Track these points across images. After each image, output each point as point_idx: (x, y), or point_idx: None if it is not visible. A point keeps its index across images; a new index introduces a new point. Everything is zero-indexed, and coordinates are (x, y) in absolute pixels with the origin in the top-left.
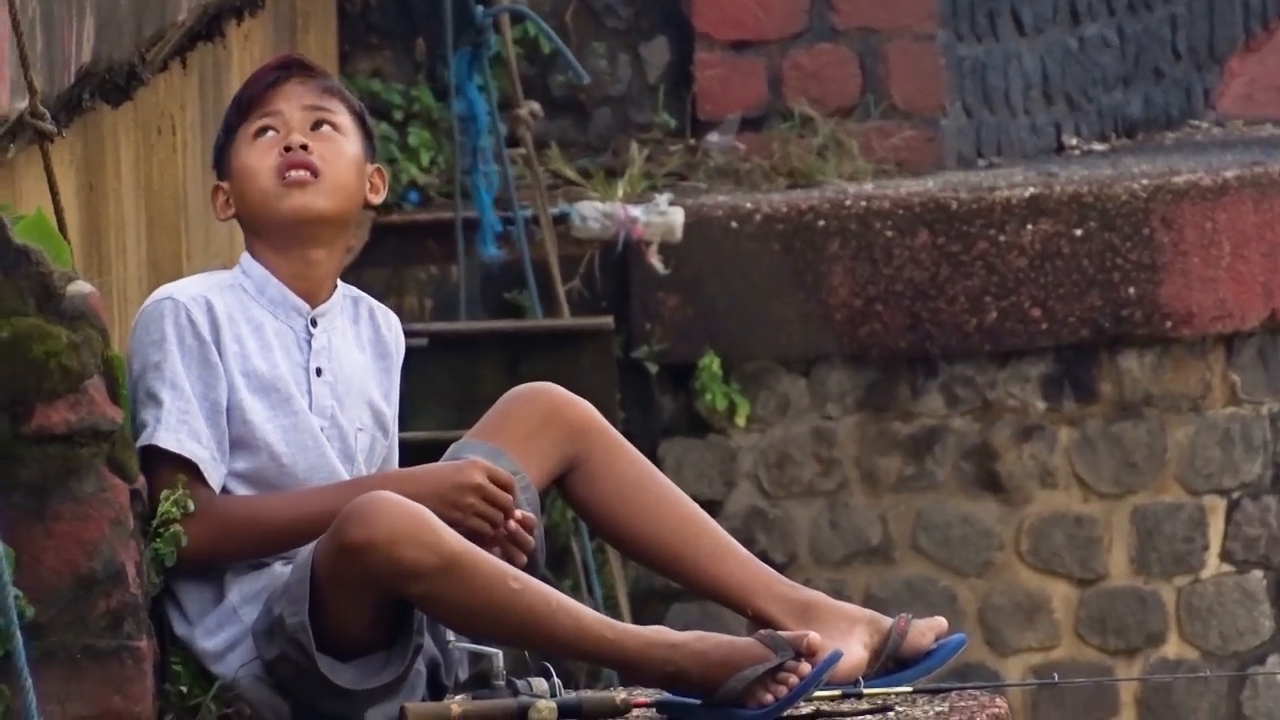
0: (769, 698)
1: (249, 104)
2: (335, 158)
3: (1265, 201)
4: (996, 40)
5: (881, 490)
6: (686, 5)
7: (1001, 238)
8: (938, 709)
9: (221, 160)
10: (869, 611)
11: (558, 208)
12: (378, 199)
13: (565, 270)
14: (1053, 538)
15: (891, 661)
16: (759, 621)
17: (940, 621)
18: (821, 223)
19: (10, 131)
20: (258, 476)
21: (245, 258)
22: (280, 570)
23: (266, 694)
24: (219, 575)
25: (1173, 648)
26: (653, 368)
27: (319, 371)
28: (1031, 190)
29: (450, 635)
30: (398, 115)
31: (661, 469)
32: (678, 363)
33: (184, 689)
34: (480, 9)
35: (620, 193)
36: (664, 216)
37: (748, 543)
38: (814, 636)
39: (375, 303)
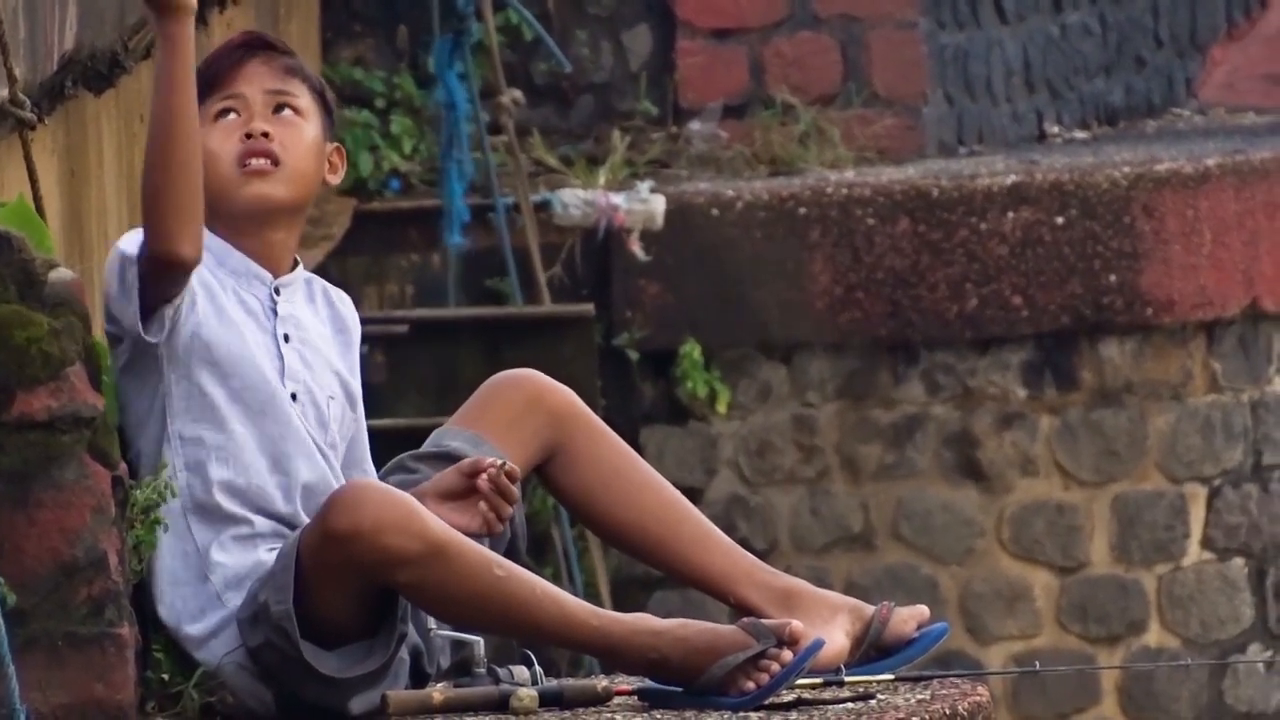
0: (750, 685)
1: (211, 82)
2: (295, 144)
3: (1246, 189)
4: (978, 28)
5: (862, 478)
6: None
7: (983, 225)
8: (919, 697)
9: None
10: (851, 599)
11: (539, 195)
12: (336, 179)
13: (546, 257)
14: (1034, 525)
15: (873, 650)
16: (741, 609)
17: (922, 610)
18: (803, 210)
19: None
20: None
21: (204, 232)
22: (265, 558)
23: (250, 682)
24: (202, 557)
25: (1154, 636)
26: (633, 355)
27: (286, 338)
28: (1013, 178)
29: (431, 623)
30: (380, 103)
31: (642, 456)
32: (659, 350)
33: (165, 676)
34: None
35: (602, 180)
36: (645, 204)
37: (729, 530)
38: (796, 624)
39: (327, 284)
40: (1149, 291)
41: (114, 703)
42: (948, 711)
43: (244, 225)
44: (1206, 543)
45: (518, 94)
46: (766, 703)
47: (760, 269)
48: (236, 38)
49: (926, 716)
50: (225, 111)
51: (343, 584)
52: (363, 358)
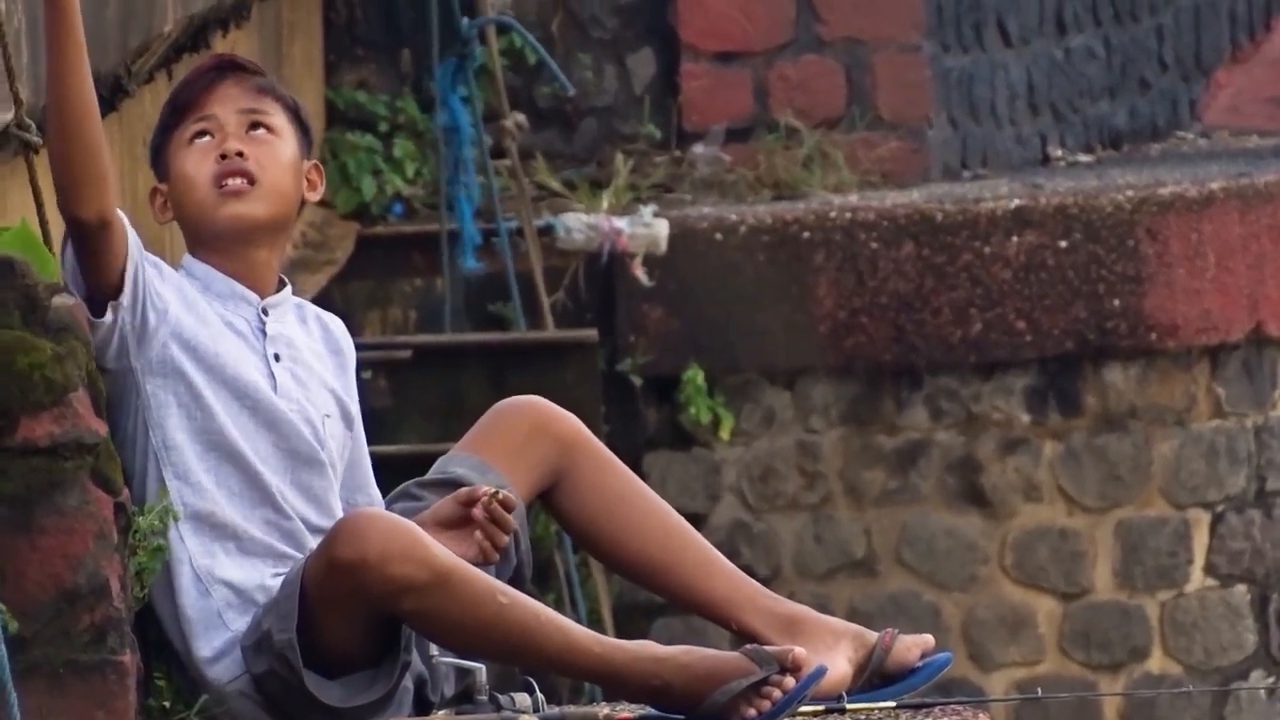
0: (752, 712)
1: (184, 106)
2: (271, 162)
3: (1251, 213)
4: (982, 51)
5: (865, 504)
6: (672, 16)
7: (986, 249)
8: None
9: (158, 161)
10: (854, 626)
11: (542, 219)
12: (315, 196)
13: (550, 282)
14: (1037, 551)
15: (876, 677)
16: (744, 636)
17: (927, 639)
18: (806, 234)
19: None
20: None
21: (188, 258)
22: (270, 583)
23: (253, 710)
24: (199, 571)
25: (1156, 662)
26: (637, 380)
27: (277, 357)
28: (1017, 202)
29: (434, 650)
30: (383, 127)
31: (645, 482)
32: (662, 375)
33: (167, 704)
34: (466, 20)
35: (605, 204)
36: (649, 228)
37: (731, 556)
38: (799, 651)
39: (320, 309)
40: (1153, 316)
41: None
42: None
43: (225, 246)
44: (1210, 569)
45: (521, 118)
46: None
47: (764, 293)
48: (208, 61)
49: None
50: (200, 134)
51: (347, 612)
52: (365, 383)
